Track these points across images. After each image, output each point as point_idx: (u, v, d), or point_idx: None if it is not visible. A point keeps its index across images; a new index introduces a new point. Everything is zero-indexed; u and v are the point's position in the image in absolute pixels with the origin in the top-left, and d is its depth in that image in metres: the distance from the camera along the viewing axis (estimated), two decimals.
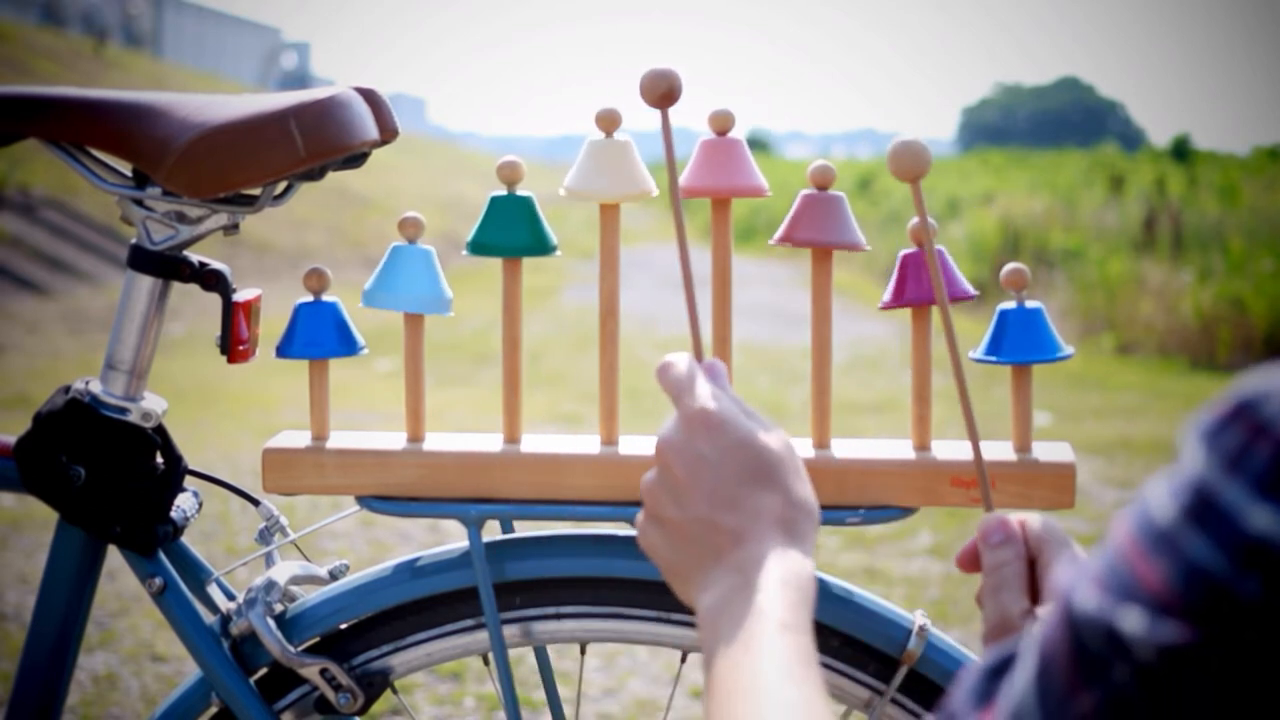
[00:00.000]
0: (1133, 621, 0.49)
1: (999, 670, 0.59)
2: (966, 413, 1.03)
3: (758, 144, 40.48)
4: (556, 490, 1.19)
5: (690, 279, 1.01)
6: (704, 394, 0.87)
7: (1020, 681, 0.54)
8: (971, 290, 1.17)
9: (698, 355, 0.95)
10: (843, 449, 1.19)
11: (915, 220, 1.19)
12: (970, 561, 0.96)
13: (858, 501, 1.16)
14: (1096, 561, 0.53)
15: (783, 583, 0.79)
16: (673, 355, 0.91)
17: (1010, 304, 1.18)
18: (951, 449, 1.18)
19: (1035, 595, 0.92)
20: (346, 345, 1.23)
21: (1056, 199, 13.29)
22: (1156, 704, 0.49)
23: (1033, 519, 0.95)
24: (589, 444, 1.21)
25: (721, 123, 1.18)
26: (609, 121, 1.19)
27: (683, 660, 1.27)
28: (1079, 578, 0.53)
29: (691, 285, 1.00)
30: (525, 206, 1.21)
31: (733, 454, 0.85)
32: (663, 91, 1.02)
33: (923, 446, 1.19)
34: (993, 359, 1.17)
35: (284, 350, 1.24)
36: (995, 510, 0.99)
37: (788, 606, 0.77)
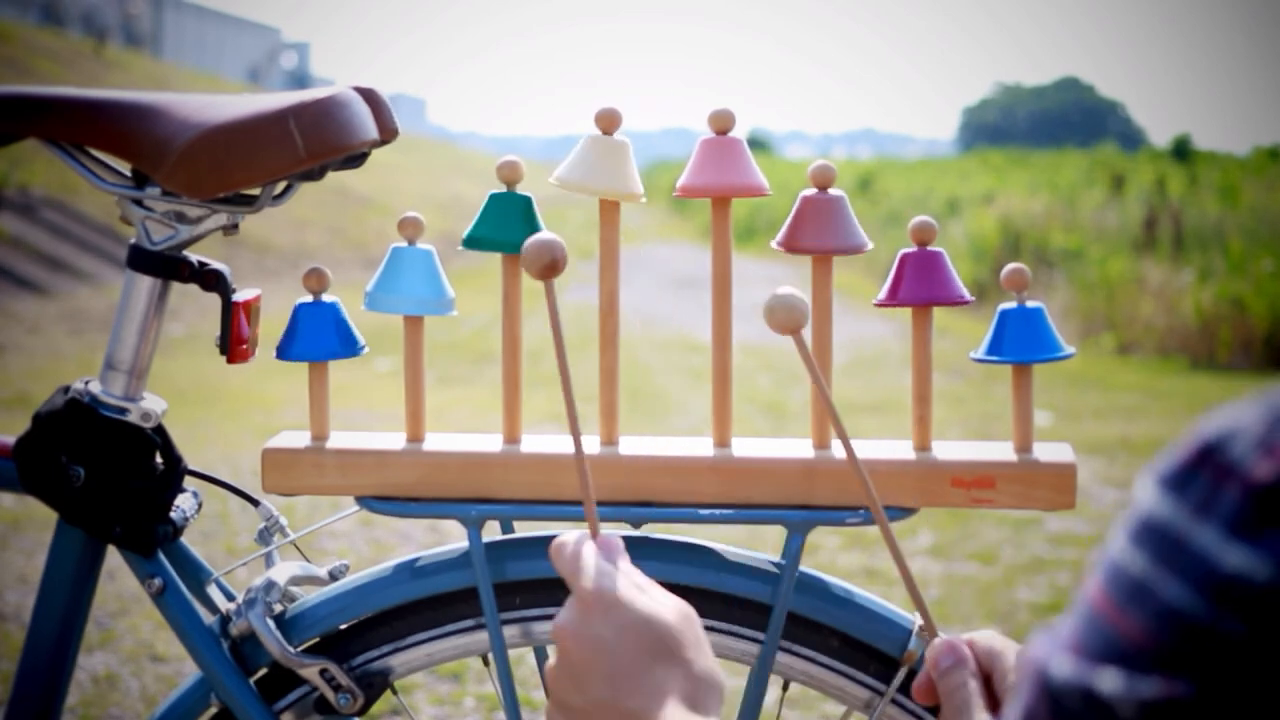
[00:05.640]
0: (1109, 682, 0.49)
1: None
2: (839, 428, 1.01)
3: (758, 144, 40.49)
4: (556, 490, 1.19)
5: (576, 420, 0.97)
6: (597, 573, 0.86)
7: None
8: (967, 295, 1.17)
9: (593, 532, 0.92)
10: (843, 449, 1.19)
11: (916, 219, 1.19)
12: (927, 692, 0.96)
13: (858, 501, 1.16)
14: (1069, 625, 0.52)
15: None
16: (565, 534, 0.89)
17: (1011, 304, 1.18)
18: (951, 449, 1.18)
19: (995, 708, 0.92)
20: (347, 346, 1.23)
21: (1056, 199, 13.29)
22: None
23: (980, 636, 0.96)
24: (589, 444, 1.21)
25: (721, 122, 1.18)
26: (609, 121, 1.19)
27: None
28: (1052, 648, 0.52)
29: (579, 437, 0.97)
30: (523, 204, 1.21)
31: (630, 633, 0.83)
32: (547, 262, 0.98)
33: (923, 447, 1.19)
34: (994, 359, 1.17)
35: (284, 352, 1.23)
36: (940, 635, 0.98)
37: None
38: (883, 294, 1.19)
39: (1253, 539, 0.47)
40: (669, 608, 0.85)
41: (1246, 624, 0.46)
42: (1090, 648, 0.50)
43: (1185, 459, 0.50)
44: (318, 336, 1.22)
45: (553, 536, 1.21)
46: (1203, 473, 0.49)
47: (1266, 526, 0.47)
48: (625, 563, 0.89)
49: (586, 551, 0.88)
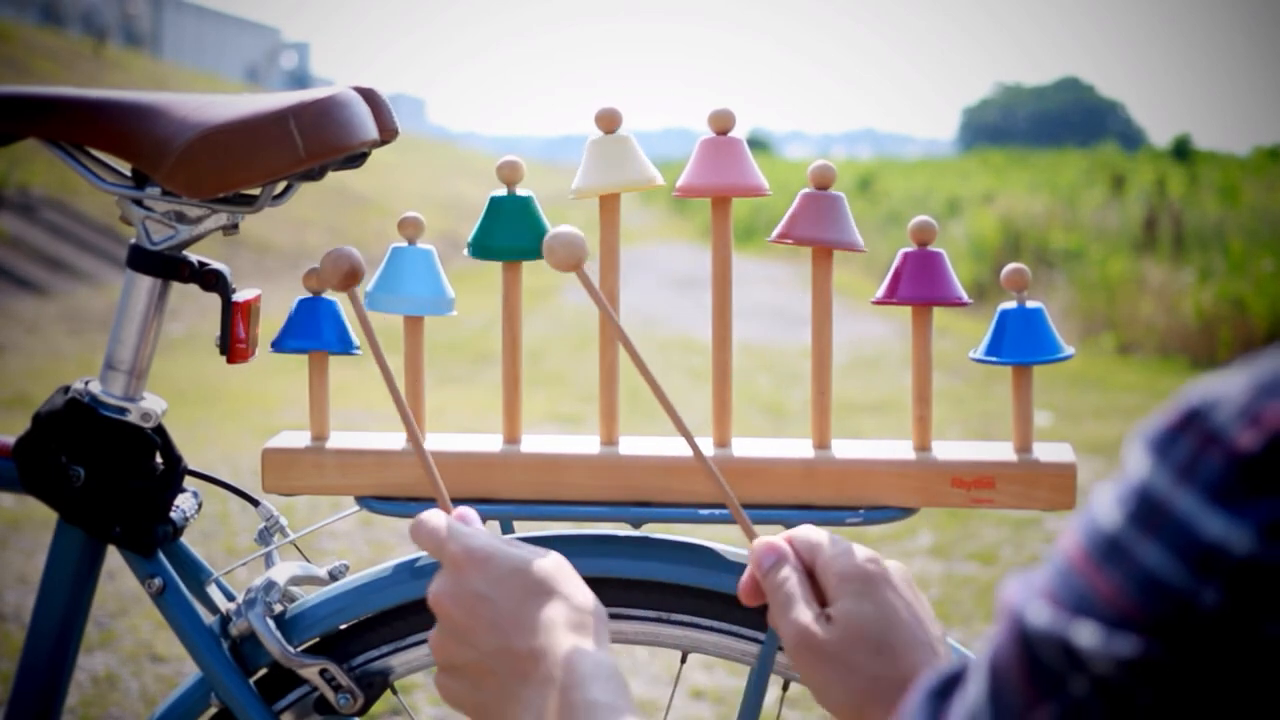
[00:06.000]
0: (1087, 636, 0.48)
1: (942, 693, 0.58)
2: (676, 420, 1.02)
3: (758, 144, 40.51)
4: (556, 490, 1.19)
5: (408, 415, 1.02)
6: (462, 535, 0.90)
7: (973, 698, 0.53)
8: (965, 297, 1.17)
9: (445, 508, 0.97)
10: (843, 449, 1.19)
11: (916, 219, 1.19)
12: (752, 593, 0.96)
13: (858, 501, 1.16)
14: (1045, 574, 0.52)
15: (593, 676, 0.81)
16: (422, 513, 0.93)
17: (1011, 304, 1.18)
18: (951, 449, 1.18)
19: (821, 599, 0.93)
20: (343, 343, 1.23)
21: (1056, 199, 13.30)
22: (1117, 715, 0.48)
23: (798, 530, 0.96)
24: (589, 444, 1.21)
25: (721, 122, 1.18)
26: (609, 120, 1.19)
27: (683, 660, 1.27)
28: (1028, 594, 0.52)
29: (422, 447, 1.01)
30: (526, 207, 1.20)
31: (506, 581, 0.87)
32: (346, 271, 1.01)
33: (923, 447, 1.18)
34: (994, 359, 1.17)
35: (279, 344, 1.23)
36: (760, 537, 0.99)
37: (606, 694, 0.80)
38: (881, 291, 1.19)
39: (1234, 508, 0.47)
40: (538, 553, 0.89)
41: (1224, 594, 0.46)
42: (1066, 601, 0.50)
43: (1171, 421, 0.50)
44: (313, 330, 1.22)
45: (553, 536, 1.21)
46: (1186, 436, 0.49)
47: (1249, 496, 0.46)
48: (483, 528, 0.93)
49: (445, 520, 0.91)
